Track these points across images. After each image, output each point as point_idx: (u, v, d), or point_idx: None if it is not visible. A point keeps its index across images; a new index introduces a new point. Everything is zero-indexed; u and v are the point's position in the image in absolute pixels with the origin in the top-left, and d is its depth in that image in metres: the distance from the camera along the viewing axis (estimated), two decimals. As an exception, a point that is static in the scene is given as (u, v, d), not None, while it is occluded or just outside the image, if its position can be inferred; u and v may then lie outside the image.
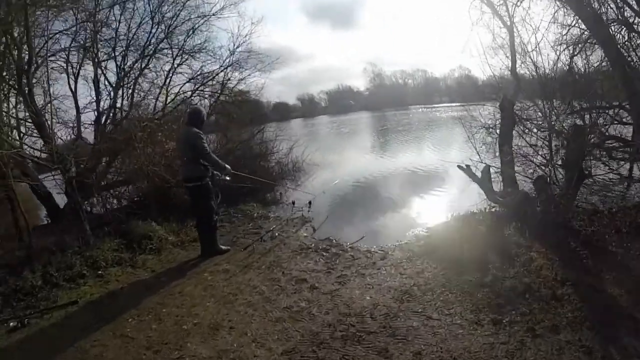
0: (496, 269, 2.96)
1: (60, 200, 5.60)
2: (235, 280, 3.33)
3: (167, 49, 7.08)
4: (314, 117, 50.89)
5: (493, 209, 4.48)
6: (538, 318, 2.32)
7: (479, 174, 4.27)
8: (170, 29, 6.89)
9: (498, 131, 5.07)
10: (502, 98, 5.02)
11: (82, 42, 5.82)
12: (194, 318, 2.77)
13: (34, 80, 5.00)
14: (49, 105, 4.83)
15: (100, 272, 3.73)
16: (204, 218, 3.86)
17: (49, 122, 4.82)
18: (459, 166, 4.01)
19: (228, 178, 3.99)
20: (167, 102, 7.37)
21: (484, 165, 4.39)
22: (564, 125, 4.03)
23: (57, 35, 5.59)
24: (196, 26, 7.26)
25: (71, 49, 5.80)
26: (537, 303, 2.47)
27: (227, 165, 3.84)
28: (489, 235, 3.69)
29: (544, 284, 2.70)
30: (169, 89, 7.45)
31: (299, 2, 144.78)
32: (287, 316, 2.68)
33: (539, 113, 4.26)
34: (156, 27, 6.64)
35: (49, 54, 5.52)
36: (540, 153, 4.25)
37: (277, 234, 4.52)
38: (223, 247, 4.05)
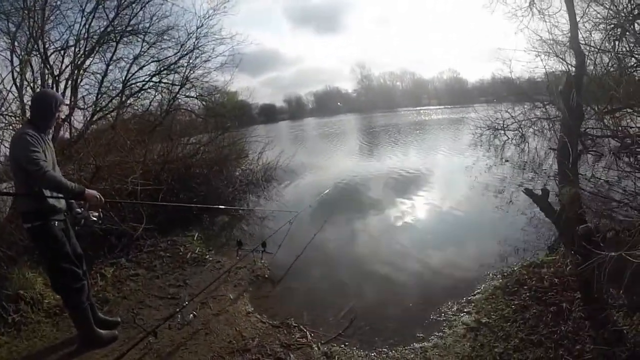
0: None
1: None
2: None
3: (111, 32, 5.75)
4: (301, 119, 49.20)
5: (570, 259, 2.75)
6: None
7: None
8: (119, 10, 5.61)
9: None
10: (565, 80, 3.97)
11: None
12: None
13: None
14: None
15: None
16: (55, 285, 2.14)
17: None
18: (526, 191, 2.51)
19: (95, 216, 2.15)
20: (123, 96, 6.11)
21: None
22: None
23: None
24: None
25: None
26: None
27: (87, 190, 1.95)
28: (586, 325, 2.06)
29: None
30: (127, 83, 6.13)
31: (281, 7, 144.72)
32: None
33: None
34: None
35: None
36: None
37: (195, 311, 2.59)
38: (103, 333, 2.30)
